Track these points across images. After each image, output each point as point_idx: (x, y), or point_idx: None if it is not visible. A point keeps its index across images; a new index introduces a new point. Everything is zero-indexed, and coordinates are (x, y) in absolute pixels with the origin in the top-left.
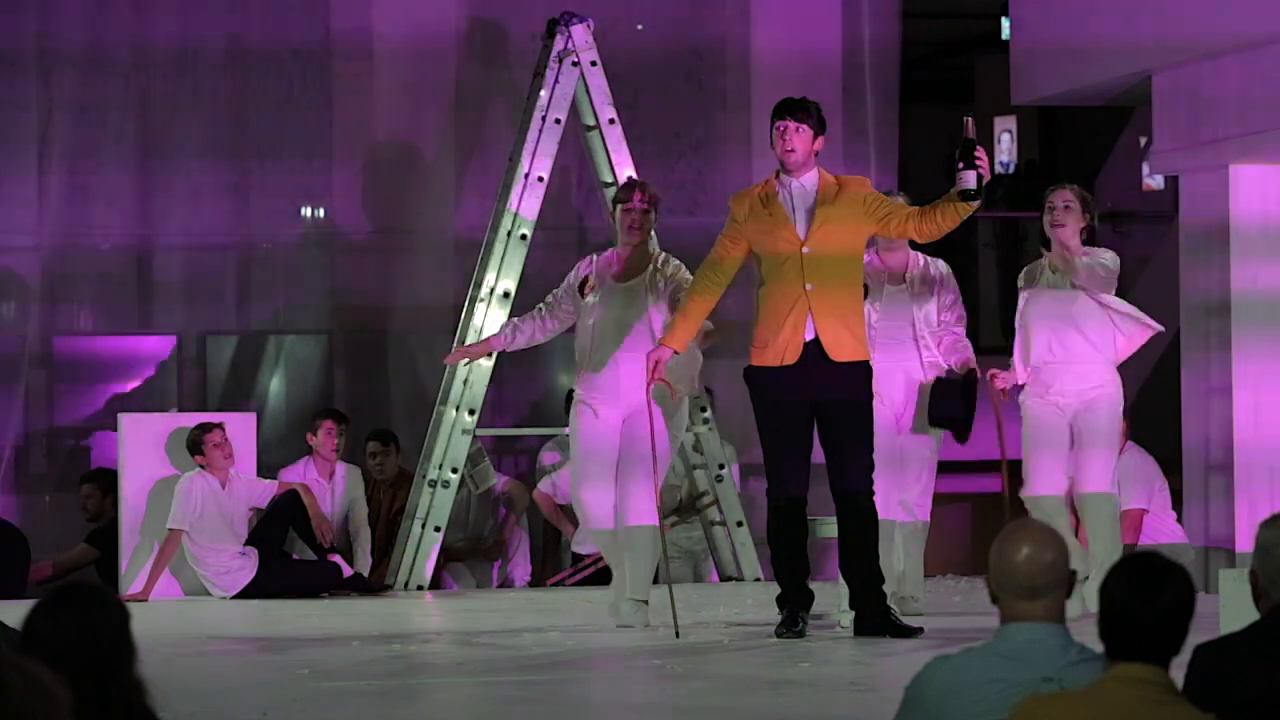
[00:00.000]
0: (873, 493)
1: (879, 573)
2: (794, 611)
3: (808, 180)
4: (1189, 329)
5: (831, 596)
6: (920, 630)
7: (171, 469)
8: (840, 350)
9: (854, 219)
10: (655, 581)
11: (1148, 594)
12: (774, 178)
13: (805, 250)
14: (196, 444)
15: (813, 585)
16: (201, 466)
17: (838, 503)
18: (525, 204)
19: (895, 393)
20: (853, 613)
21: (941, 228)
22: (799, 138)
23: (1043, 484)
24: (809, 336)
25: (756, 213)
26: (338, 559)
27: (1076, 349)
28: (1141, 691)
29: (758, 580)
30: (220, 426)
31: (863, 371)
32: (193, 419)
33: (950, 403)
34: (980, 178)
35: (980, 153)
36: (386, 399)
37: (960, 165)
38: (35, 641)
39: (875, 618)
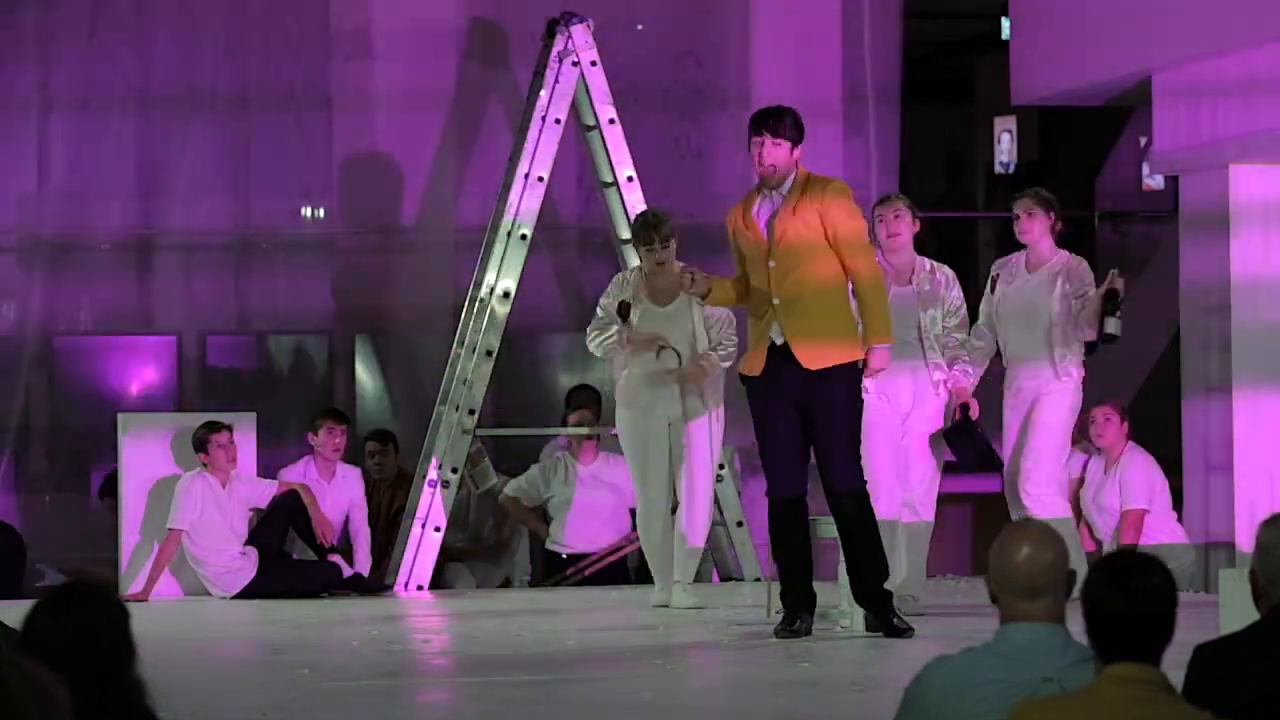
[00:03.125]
0: (860, 490)
1: (879, 570)
2: (794, 611)
3: (785, 188)
4: (1189, 329)
5: (832, 596)
6: (911, 630)
7: (172, 469)
8: (813, 360)
9: (811, 226)
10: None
11: (1130, 586)
12: (757, 187)
13: (771, 264)
14: (203, 442)
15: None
16: (204, 464)
17: (835, 507)
18: (525, 204)
19: (901, 393)
20: (859, 610)
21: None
22: (777, 151)
23: None
24: (779, 344)
25: (739, 227)
26: (338, 559)
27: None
28: (1135, 691)
29: (758, 580)
30: (229, 428)
31: (841, 372)
32: (198, 419)
33: (966, 453)
34: (1120, 326)
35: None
36: (386, 399)
37: (1106, 312)
38: (35, 641)
39: (879, 615)
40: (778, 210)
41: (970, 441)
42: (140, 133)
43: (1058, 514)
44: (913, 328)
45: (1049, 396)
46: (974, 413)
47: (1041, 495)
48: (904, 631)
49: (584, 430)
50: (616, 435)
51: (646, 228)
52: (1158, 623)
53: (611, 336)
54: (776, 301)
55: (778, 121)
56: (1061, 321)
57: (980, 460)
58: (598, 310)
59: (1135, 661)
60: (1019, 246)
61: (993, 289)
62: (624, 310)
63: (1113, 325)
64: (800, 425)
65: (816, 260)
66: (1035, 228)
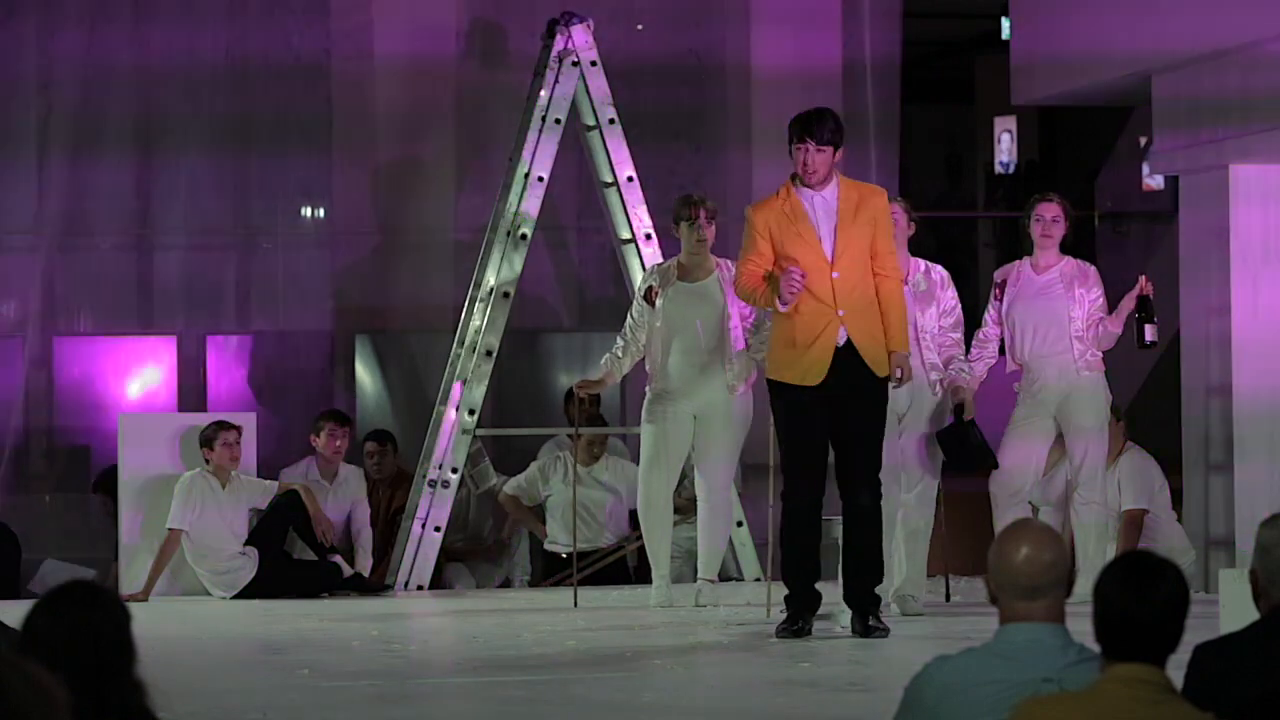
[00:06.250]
0: (881, 493)
1: (877, 572)
2: (798, 612)
3: (829, 194)
4: (1189, 328)
5: (834, 596)
6: (886, 631)
7: (172, 469)
8: (880, 367)
9: (868, 238)
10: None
11: (1142, 592)
12: (792, 186)
13: (835, 275)
14: (210, 439)
15: (817, 586)
16: (206, 461)
17: (851, 502)
18: (525, 204)
19: (898, 393)
20: (849, 610)
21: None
22: (820, 158)
23: None
24: (841, 347)
25: (783, 227)
26: (338, 559)
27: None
28: (1138, 691)
29: (758, 580)
30: (237, 429)
31: (885, 378)
32: (198, 419)
33: (958, 453)
34: (1158, 331)
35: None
36: (386, 399)
37: (1139, 316)
38: (35, 641)
39: (871, 617)
40: (837, 222)
41: (963, 442)
42: (140, 132)
43: (1101, 520)
44: (910, 327)
45: (1081, 398)
46: (968, 413)
47: (1093, 502)
48: (880, 632)
49: (593, 430)
50: (621, 437)
51: (690, 203)
52: (1168, 629)
53: (603, 367)
54: (843, 312)
55: (820, 127)
56: (1084, 325)
57: (973, 460)
58: (627, 319)
59: (1140, 663)
60: (1018, 246)
61: (999, 296)
62: (650, 297)
63: (1151, 332)
64: (829, 430)
65: (868, 270)
66: (1058, 231)
